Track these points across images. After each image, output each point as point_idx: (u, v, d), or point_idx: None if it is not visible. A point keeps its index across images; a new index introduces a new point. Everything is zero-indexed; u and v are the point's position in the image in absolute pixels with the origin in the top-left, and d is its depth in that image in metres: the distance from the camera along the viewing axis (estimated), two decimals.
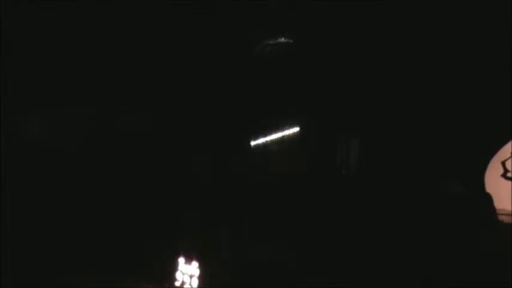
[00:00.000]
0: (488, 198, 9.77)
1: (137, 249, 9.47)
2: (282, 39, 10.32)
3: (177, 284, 8.31)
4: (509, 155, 10.22)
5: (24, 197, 10.30)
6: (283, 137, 10.23)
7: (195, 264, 8.29)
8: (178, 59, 10.99)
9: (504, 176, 10.20)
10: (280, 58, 10.33)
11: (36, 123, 10.99)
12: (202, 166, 10.64)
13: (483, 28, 10.14)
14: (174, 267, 8.36)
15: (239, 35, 10.33)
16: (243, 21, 10.34)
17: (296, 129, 10.13)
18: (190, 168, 10.72)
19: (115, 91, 11.04)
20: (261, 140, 10.25)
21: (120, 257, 9.23)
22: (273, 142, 10.25)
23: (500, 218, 9.75)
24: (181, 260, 8.35)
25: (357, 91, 10.68)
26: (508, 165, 10.21)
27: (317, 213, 9.88)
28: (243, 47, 10.39)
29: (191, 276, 8.29)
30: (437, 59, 10.38)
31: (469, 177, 10.10)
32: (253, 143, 10.26)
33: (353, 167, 10.77)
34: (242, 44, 10.40)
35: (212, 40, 10.85)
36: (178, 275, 8.35)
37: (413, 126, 10.45)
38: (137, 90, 11.03)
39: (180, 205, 10.38)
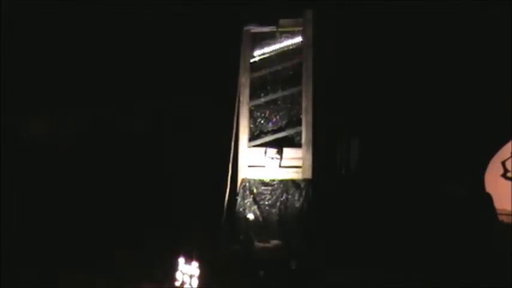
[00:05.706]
0: (488, 198, 9.79)
1: (137, 249, 9.48)
2: (282, 39, 10.33)
3: (177, 284, 8.31)
4: (509, 155, 10.25)
5: (24, 196, 10.31)
6: (283, 137, 10.23)
7: (195, 264, 8.29)
8: (178, 58, 11.00)
9: (504, 176, 10.23)
10: (280, 58, 10.34)
11: (36, 123, 11.00)
12: (202, 166, 10.64)
13: (483, 28, 10.16)
14: (174, 267, 8.36)
15: (239, 35, 10.33)
16: (242, 21, 10.34)
17: (297, 129, 10.14)
18: (190, 168, 10.73)
19: (115, 91, 11.05)
20: (261, 141, 10.25)
21: (120, 257, 9.24)
22: (273, 142, 10.25)
23: (500, 218, 9.78)
24: (181, 260, 8.35)
25: (357, 91, 10.69)
26: (508, 165, 10.23)
27: (317, 213, 9.88)
28: (242, 46, 10.38)
29: (191, 276, 8.29)
30: (437, 60, 10.41)
31: (469, 177, 10.13)
32: (252, 143, 10.26)
33: (353, 167, 10.79)
34: (242, 43, 10.40)
35: (212, 40, 10.86)
36: (178, 275, 8.34)
37: (413, 126, 10.47)
38: (137, 90, 11.05)
39: (180, 205, 10.38)
